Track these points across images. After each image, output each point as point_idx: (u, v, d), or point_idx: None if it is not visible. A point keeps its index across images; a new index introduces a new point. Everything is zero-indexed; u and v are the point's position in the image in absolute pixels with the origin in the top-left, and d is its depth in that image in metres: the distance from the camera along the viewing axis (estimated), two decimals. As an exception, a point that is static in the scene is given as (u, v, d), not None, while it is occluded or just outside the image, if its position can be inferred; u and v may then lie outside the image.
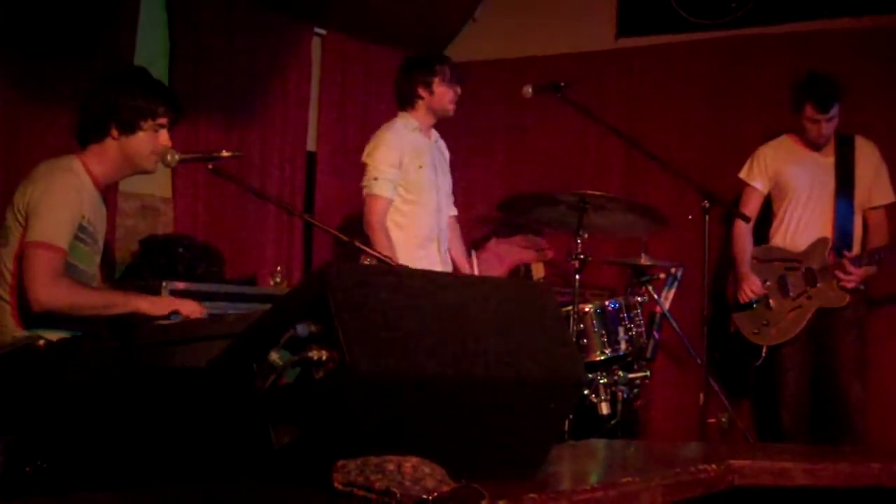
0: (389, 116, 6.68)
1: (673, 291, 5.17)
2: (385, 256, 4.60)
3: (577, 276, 4.30)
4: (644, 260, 4.95)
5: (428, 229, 4.92)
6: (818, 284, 5.13)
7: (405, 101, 5.00)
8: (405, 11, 6.50)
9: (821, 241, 5.17)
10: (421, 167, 4.89)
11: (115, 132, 3.49)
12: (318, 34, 6.33)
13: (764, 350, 5.23)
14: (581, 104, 4.96)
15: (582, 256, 4.28)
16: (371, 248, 4.69)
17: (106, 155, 3.53)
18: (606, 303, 4.67)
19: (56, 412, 3.23)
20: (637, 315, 4.74)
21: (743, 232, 5.30)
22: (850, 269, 5.01)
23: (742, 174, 5.39)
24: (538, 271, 5.91)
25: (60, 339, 3.39)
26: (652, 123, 6.26)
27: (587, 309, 4.58)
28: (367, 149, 4.93)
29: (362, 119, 6.57)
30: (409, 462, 1.97)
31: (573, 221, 4.27)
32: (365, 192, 4.85)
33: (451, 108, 4.95)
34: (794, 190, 5.25)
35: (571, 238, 4.30)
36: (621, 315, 4.65)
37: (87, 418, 3.18)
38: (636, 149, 5.30)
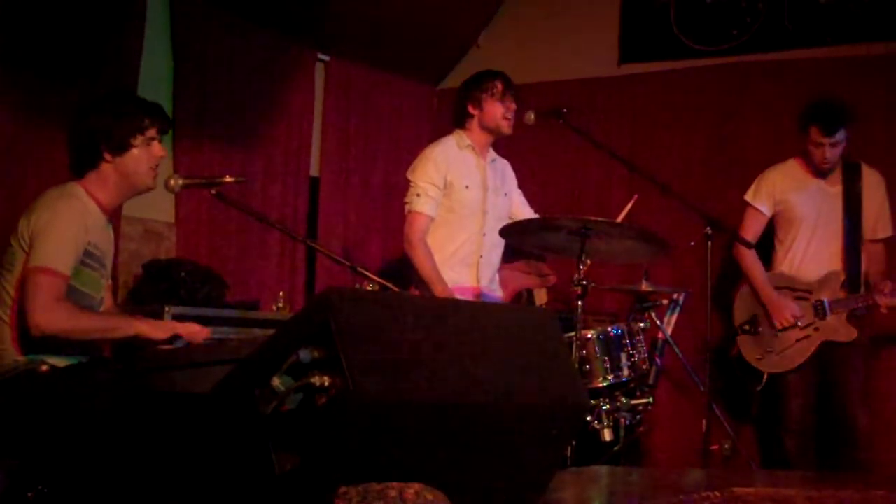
0: (392, 142, 6.75)
1: (675, 317, 5.15)
2: (426, 276, 4.64)
3: (580, 303, 4.29)
4: (646, 286, 4.94)
5: (465, 253, 4.81)
6: (828, 318, 5.06)
7: (458, 119, 4.89)
8: (408, 38, 6.53)
9: (833, 274, 5.11)
10: (467, 187, 4.78)
11: (108, 155, 3.51)
12: (321, 60, 6.36)
13: (765, 376, 5.18)
14: (583, 130, 4.96)
15: (584, 282, 4.27)
16: (413, 265, 4.70)
17: (105, 179, 3.54)
18: (609, 329, 4.65)
19: (59, 437, 3.22)
20: (639, 341, 4.72)
21: (753, 257, 5.22)
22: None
23: (748, 196, 5.31)
24: (541, 297, 5.91)
25: (63, 365, 3.38)
26: (654, 149, 6.28)
27: (589, 335, 4.56)
28: (413, 165, 4.83)
29: (365, 144, 6.60)
30: (412, 489, 1.97)
31: (575, 247, 4.26)
32: (406, 208, 4.77)
33: (503, 124, 4.81)
34: (801, 219, 5.18)
35: (574, 264, 4.29)
36: (624, 341, 4.63)
37: (90, 443, 3.17)
38: (638, 174, 5.29)
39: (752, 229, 5.26)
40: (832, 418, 5.14)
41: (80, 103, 3.65)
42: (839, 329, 5.07)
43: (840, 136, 4.99)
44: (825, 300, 5.08)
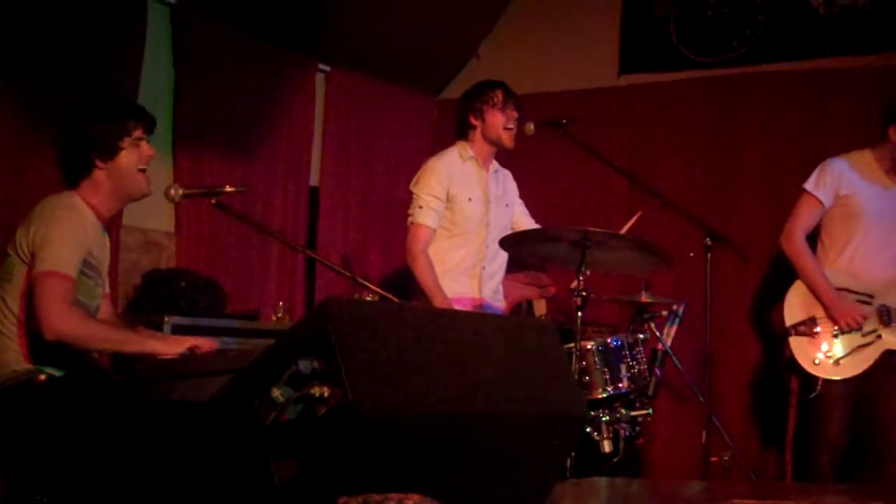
0: (392, 152, 6.76)
1: (675, 328, 5.13)
2: (426, 288, 4.64)
3: (580, 314, 4.28)
4: (645, 297, 4.94)
5: (468, 264, 4.81)
6: (892, 324, 4.71)
7: (461, 131, 4.91)
8: (409, 48, 6.54)
9: None
10: (470, 199, 4.79)
11: (99, 162, 3.51)
12: (321, 70, 6.37)
13: (819, 383, 4.72)
14: (583, 141, 4.96)
15: (584, 293, 4.27)
16: (414, 277, 4.70)
17: (99, 187, 3.54)
18: (608, 340, 4.65)
19: (57, 447, 3.21)
20: (639, 352, 4.72)
21: (810, 253, 4.83)
22: None
23: (808, 185, 4.86)
24: (540, 308, 5.91)
25: (61, 374, 3.38)
26: (654, 160, 6.28)
27: (589, 346, 4.56)
28: (415, 177, 4.84)
29: (365, 154, 6.60)
30: (411, 499, 1.97)
31: (575, 258, 4.26)
32: (409, 220, 4.78)
33: (505, 135, 4.82)
34: (863, 215, 4.78)
35: (573, 275, 4.29)
36: (623, 352, 4.63)
37: (89, 453, 3.17)
38: (638, 185, 5.28)
39: (807, 221, 4.87)
40: (873, 431, 4.77)
41: (64, 115, 3.66)
42: None
43: None
44: (889, 305, 4.74)
